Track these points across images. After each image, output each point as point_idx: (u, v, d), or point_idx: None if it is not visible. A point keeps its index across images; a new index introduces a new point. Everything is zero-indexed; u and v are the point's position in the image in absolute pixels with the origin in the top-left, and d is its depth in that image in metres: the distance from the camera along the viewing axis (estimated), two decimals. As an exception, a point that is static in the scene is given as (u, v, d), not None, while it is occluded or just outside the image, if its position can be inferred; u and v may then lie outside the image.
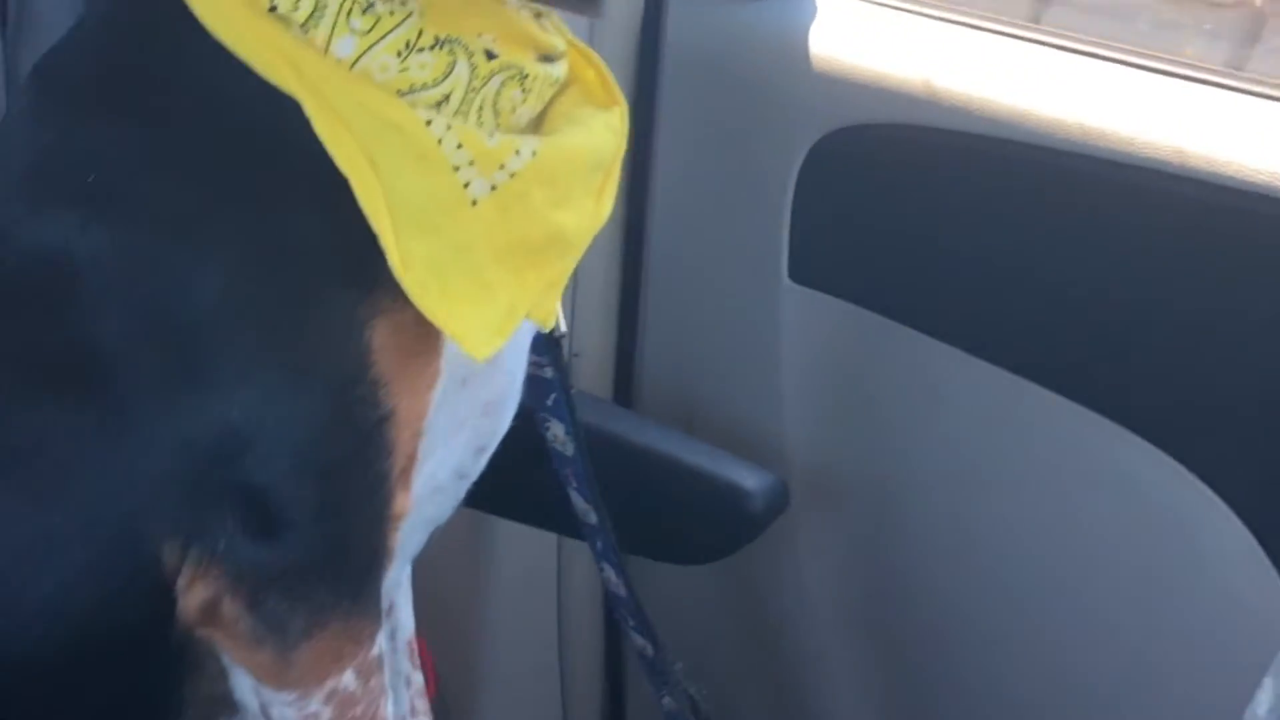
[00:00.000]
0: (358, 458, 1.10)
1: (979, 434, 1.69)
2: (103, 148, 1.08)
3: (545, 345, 1.42)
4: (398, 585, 1.47)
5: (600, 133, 1.19)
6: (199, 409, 1.08)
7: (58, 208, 1.08)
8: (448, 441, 1.19)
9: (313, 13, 1.03)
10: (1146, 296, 1.52)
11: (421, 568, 1.51)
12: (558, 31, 1.20)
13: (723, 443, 1.80)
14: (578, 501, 1.54)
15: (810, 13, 1.83)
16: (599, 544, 1.56)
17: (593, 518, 1.54)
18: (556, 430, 1.49)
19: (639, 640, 1.60)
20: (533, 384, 1.42)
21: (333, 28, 1.04)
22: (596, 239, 1.97)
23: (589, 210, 1.19)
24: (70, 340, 1.09)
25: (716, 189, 1.91)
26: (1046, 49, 1.71)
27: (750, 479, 1.67)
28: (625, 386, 2.07)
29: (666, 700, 1.60)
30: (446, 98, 1.06)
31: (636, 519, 1.68)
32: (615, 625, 2.07)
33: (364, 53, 1.04)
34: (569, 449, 1.50)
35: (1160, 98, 1.58)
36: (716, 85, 1.88)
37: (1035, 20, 1.83)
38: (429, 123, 1.05)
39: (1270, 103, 1.53)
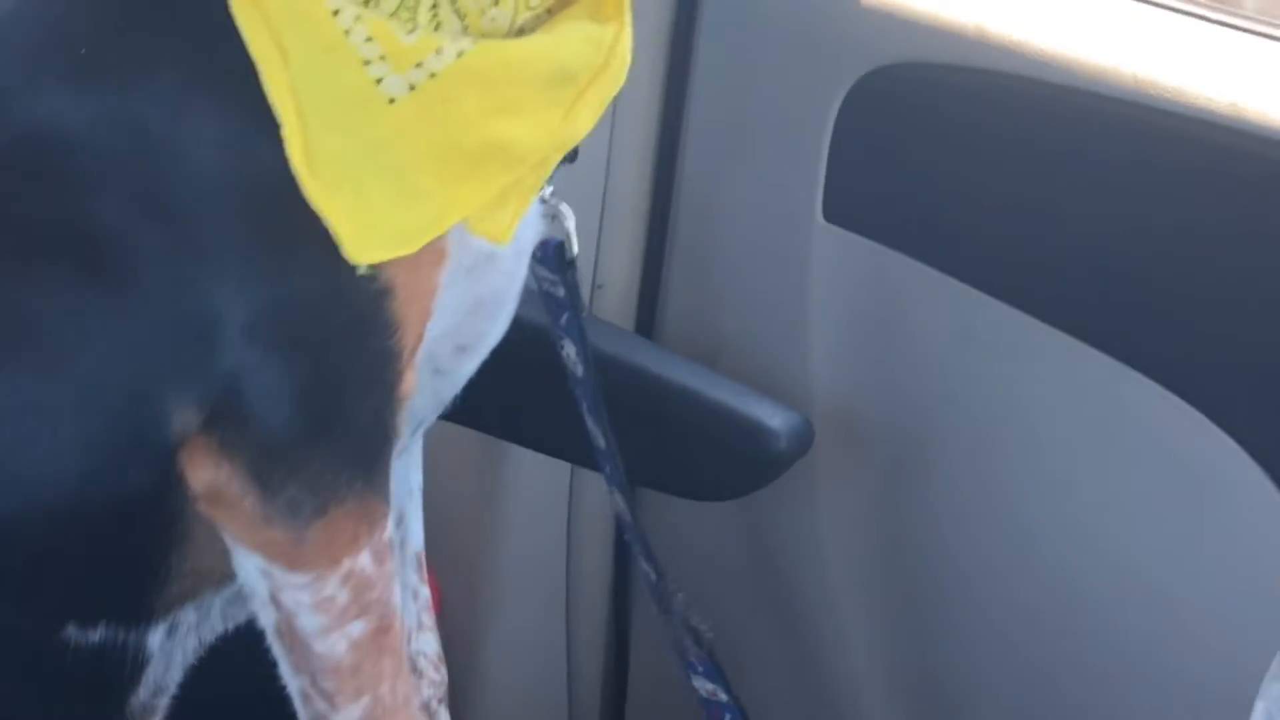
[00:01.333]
0: (359, 333, 1.09)
1: (1007, 382, 1.66)
2: (99, 20, 1.08)
3: (558, 263, 1.40)
4: (409, 493, 1.46)
5: (573, 44, 1.13)
6: (199, 282, 1.07)
7: (53, 81, 1.08)
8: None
9: None
10: (1187, 251, 1.50)
11: (431, 494, 1.50)
12: None
13: (747, 380, 1.78)
14: (589, 425, 1.52)
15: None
16: (607, 469, 1.54)
17: (601, 442, 1.52)
18: (569, 350, 1.47)
19: (645, 565, 1.59)
20: (547, 301, 1.42)
21: None
22: (625, 168, 1.97)
23: (548, 123, 1.12)
24: (67, 216, 1.09)
25: (753, 123, 1.87)
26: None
27: (775, 417, 1.65)
28: (649, 319, 2.04)
29: (673, 624, 1.59)
30: None
31: (657, 452, 1.67)
32: (624, 557, 2.06)
33: None
34: (580, 370, 1.48)
35: (1219, 49, 1.55)
36: (756, 16, 1.85)
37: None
38: (336, 12, 1.02)
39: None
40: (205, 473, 1.11)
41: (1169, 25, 1.61)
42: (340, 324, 1.09)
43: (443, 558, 1.67)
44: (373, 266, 1.06)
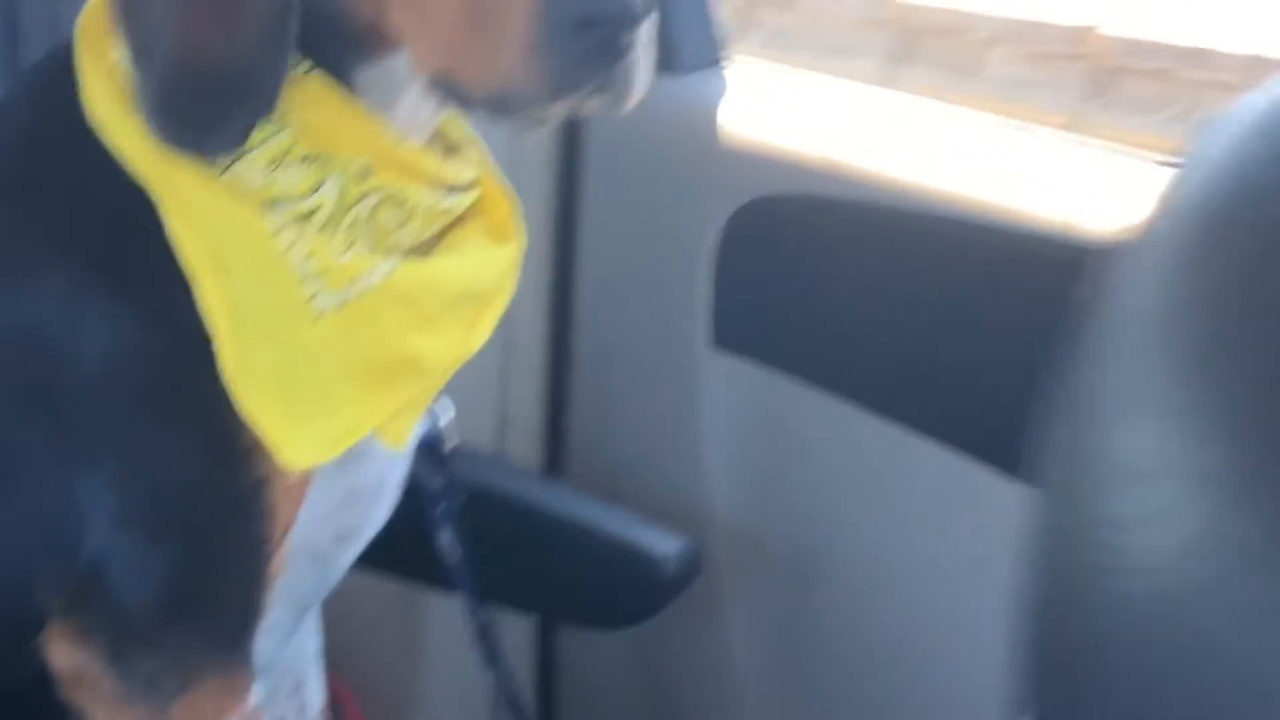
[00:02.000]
0: (232, 521, 1.13)
1: (891, 494, 1.72)
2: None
3: (433, 456, 1.43)
4: (307, 660, 1.49)
5: (480, 264, 1.21)
6: (72, 476, 1.11)
7: None
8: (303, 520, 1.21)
9: None
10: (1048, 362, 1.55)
11: (349, 635, 1.53)
12: (477, 165, 1.24)
13: (647, 509, 1.83)
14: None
15: (720, 89, 1.88)
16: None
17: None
18: (444, 538, 1.50)
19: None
20: (420, 493, 1.45)
21: (135, 85, 1.06)
22: (525, 310, 2.04)
23: (454, 339, 1.19)
24: None
25: (640, 259, 1.95)
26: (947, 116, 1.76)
27: (662, 545, 1.69)
28: (555, 454, 2.10)
29: None
30: (314, 212, 1.08)
31: (553, 585, 1.71)
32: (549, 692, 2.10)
33: (234, 161, 1.07)
34: (457, 554, 1.50)
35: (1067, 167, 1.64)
36: (636, 160, 1.93)
37: (891, 81, 1.88)
38: (277, 232, 1.07)
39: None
40: (66, 656, 1.14)
41: (1018, 144, 1.70)
42: (214, 513, 1.13)
43: (365, 693, 1.70)
44: (252, 455, 1.10)
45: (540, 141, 1.98)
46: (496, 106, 1.03)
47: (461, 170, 1.21)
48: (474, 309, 1.21)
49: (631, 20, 0.99)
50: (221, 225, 1.06)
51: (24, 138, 1.15)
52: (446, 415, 1.43)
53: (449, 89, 1.05)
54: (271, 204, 1.08)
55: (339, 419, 1.11)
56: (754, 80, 1.92)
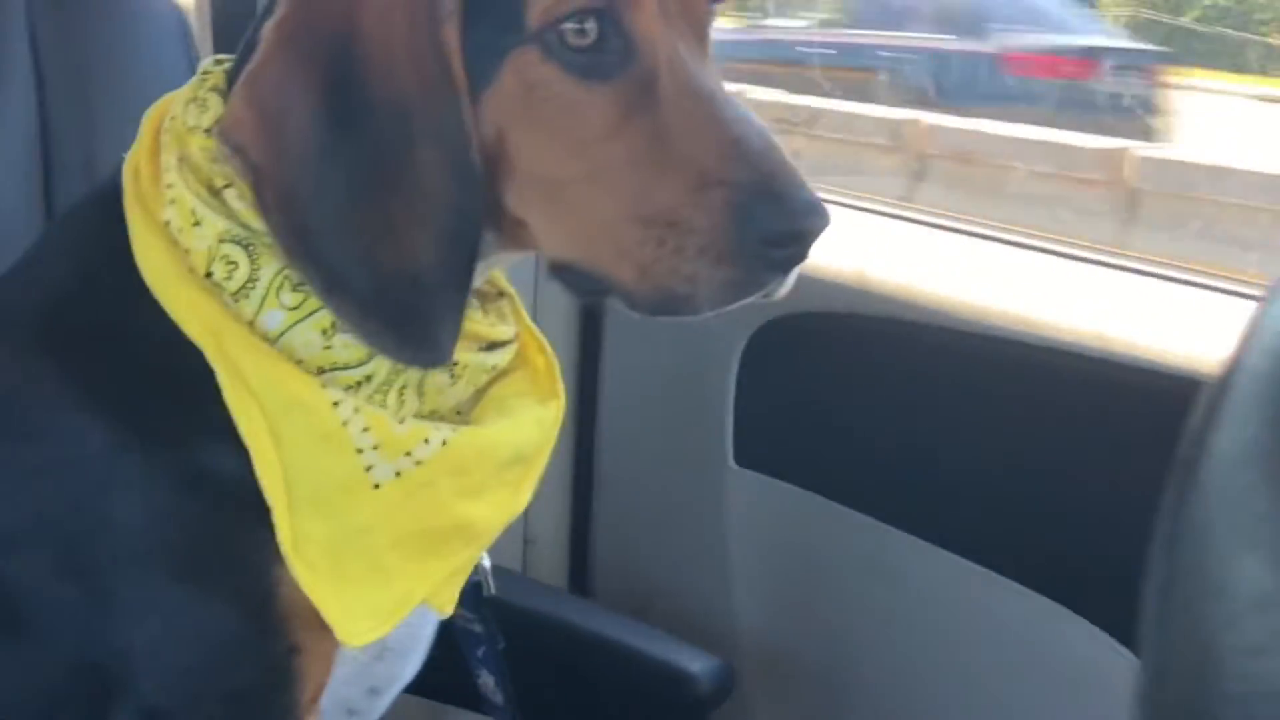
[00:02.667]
0: (266, 685, 1.11)
1: (917, 608, 1.72)
2: (26, 378, 1.10)
3: (474, 601, 1.42)
4: None
5: (527, 426, 1.19)
6: (107, 635, 1.09)
7: None
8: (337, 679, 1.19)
9: (245, 284, 1.06)
10: (1080, 476, 1.56)
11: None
12: (513, 316, 1.23)
13: (676, 627, 1.82)
14: None
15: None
16: None
17: None
18: (487, 680, 1.48)
19: None
20: (463, 636, 1.44)
21: (262, 300, 1.06)
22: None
23: (503, 502, 1.18)
24: None
25: (663, 377, 1.97)
26: (970, 238, 1.78)
27: (694, 663, 1.67)
28: (580, 573, 2.10)
29: None
30: (368, 378, 1.08)
31: (589, 704, 1.70)
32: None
33: (290, 327, 1.06)
34: (498, 698, 1.49)
35: (1084, 284, 1.65)
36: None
37: (908, 198, 1.91)
38: (336, 403, 1.06)
39: (1203, 291, 1.61)
40: None
41: (1038, 264, 1.71)
42: (247, 679, 1.11)
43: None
44: (283, 620, 1.08)
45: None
46: (666, 306, 1.02)
47: (503, 326, 1.20)
48: (521, 470, 1.20)
49: (822, 231, 1.00)
50: (279, 395, 1.06)
51: (68, 290, 1.14)
52: (484, 559, 1.40)
53: (583, 280, 1.05)
54: (326, 372, 1.08)
55: (391, 589, 1.11)
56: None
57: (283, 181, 1.02)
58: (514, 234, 1.10)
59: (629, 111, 1.02)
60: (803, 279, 1.77)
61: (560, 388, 1.26)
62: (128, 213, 1.11)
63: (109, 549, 1.07)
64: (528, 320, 1.26)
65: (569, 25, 1.01)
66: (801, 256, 1.01)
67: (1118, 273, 1.66)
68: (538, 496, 2.03)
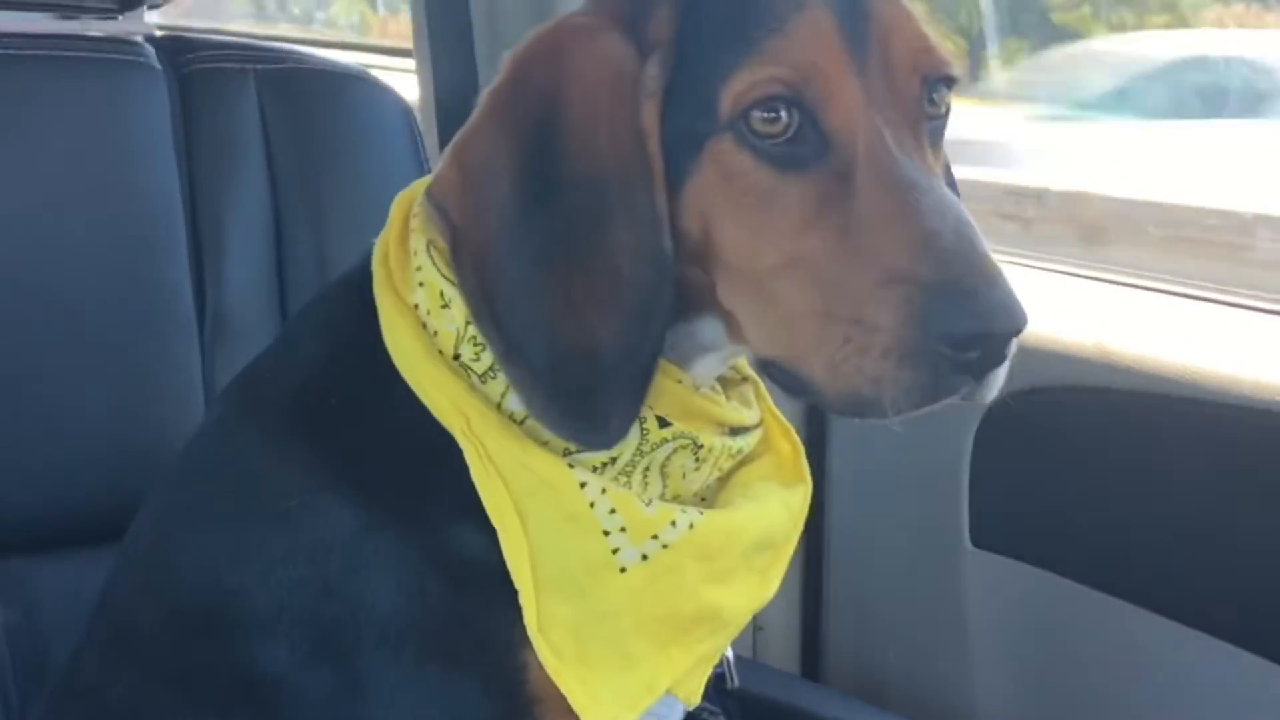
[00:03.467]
0: None
1: (1175, 697, 1.64)
2: (282, 465, 1.11)
3: (716, 693, 1.40)
4: None
5: (775, 511, 1.17)
6: (359, 718, 1.08)
7: (233, 525, 1.12)
8: None
9: (492, 365, 1.06)
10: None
11: None
12: (757, 401, 1.21)
13: (913, 712, 1.78)
14: None
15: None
16: None
17: None
18: None
19: None
20: None
21: (510, 382, 1.06)
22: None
23: (750, 589, 1.16)
24: (241, 663, 1.11)
25: (894, 455, 1.92)
26: (1216, 305, 1.71)
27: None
28: (812, 658, 2.05)
29: None
30: (613, 459, 1.07)
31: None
32: None
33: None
34: None
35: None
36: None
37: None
38: (584, 484, 1.05)
39: None
40: None
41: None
42: None
43: None
44: (531, 703, 1.07)
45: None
46: (853, 408, 0.98)
47: (747, 412, 1.18)
48: (769, 556, 1.18)
49: (1016, 334, 0.95)
50: (526, 475, 1.05)
51: (318, 373, 1.15)
52: (726, 652, 1.39)
53: (786, 377, 1.02)
54: (572, 454, 1.07)
55: (636, 676, 1.09)
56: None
57: (478, 243, 1.03)
58: (731, 326, 1.07)
59: (824, 204, 0.99)
60: (1038, 352, 1.76)
61: (806, 472, 1.23)
62: (377, 296, 1.12)
63: (360, 632, 1.07)
64: (771, 405, 1.23)
65: (759, 114, 0.99)
66: (995, 361, 0.95)
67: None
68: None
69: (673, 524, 1.07)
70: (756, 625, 2.06)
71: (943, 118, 1.08)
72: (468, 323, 1.06)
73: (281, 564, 1.09)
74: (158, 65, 1.71)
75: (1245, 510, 1.55)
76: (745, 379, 1.22)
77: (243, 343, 1.52)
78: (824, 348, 0.96)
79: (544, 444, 1.06)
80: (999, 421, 1.76)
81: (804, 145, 1.00)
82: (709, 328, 1.09)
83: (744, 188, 1.01)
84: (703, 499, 1.16)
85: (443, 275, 1.08)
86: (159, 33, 1.80)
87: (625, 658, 1.08)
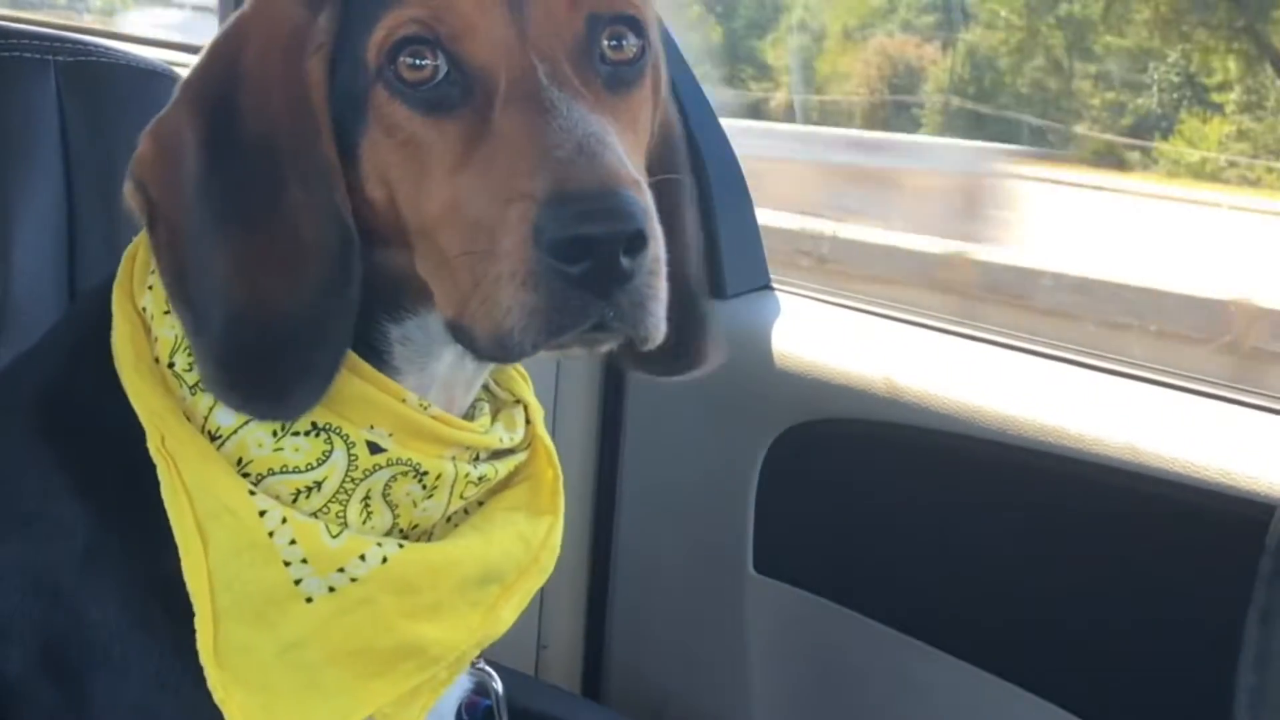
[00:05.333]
0: None
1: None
2: (23, 469, 1.09)
3: None
4: None
5: (505, 544, 1.14)
6: None
7: None
8: None
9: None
10: (1108, 590, 1.54)
11: None
12: (528, 426, 1.19)
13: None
14: None
15: (773, 312, 1.89)
16: None
17: None
18: None
19: None
20: None
21: (194, 356, 1.04)
22: (565, 532, 2.02)
23: (468, 624, 1.12)
24: None
25: (682, 481, 1.94)
26: (999, 349, 1.77)
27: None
28: (594, 678, 2.06)
29: None
30: (319, 484, 1.05)
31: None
32: None
33: (242, 425, 1.04)
34: None
35: (1111, 396, 1.63)
36: (682, 381, 1.92)
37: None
38: (264, 512, 1.03)
39: (1217, 402, 1.59)
40: None
41: (1066, 376, 1.70)
42: None
43: None
44: None
45: (584, 360, 1.99)
46: (498, 348, 0.96)
47: (502, 434, 1.16)
48: (494, 590, 1.14)
49: (620, 238, 0.91)
50: (210, 499, 1.03)
51: (61, 375, 1.13)
52: (496, 682, 1.36)
53: (460, 335, 1.00)
54: (277, 474, 1.04)
55: (327, 707, 1.06)
56: (798, 310, 1.94)
57: (171, 216, 1.03)
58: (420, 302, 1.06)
59: (470, 143, 0.98)
60: (828, 385, 1.80)
61: (560, 504, 1.21)
62: (114, 297, 1.11)
63: (86, 651, 1.05)
64: (542, 431, 1.22)
65: (405, 60, 0.99)
66: (609, 273, 0.92)
67: (1151, 386, 1.64)
68: (552, 600, 2.04)
69: (362, 558, 1.04)
70: (541, 644, 2.06)
71: (632, 62, 1.06)
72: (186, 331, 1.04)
73: (18, 570, 1.07)
74: (-47, 49, 1.66)
75: (1017, 546, 1.60)
76: (518, 401, 1.21)
77: (29, 335, 1.46)
78: (470, 287, 0.96)
79: (246, 464, 1.04)
80: (787, 449, 1.79)
81: (452, 87, 1.00)
82: (436, 315, 1.06)
83: (403, 139, 1.00)
84: (455, 526, 1.14)
85: None
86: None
87: (315, 688, 1.05)
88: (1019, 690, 1.58)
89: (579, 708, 1.90)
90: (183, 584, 1.03)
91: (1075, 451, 1.54)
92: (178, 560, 1.03)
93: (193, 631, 1.02)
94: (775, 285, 1.99)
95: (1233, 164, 5.23)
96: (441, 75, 0.99)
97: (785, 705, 1.83)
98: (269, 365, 1.00)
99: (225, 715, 1.02)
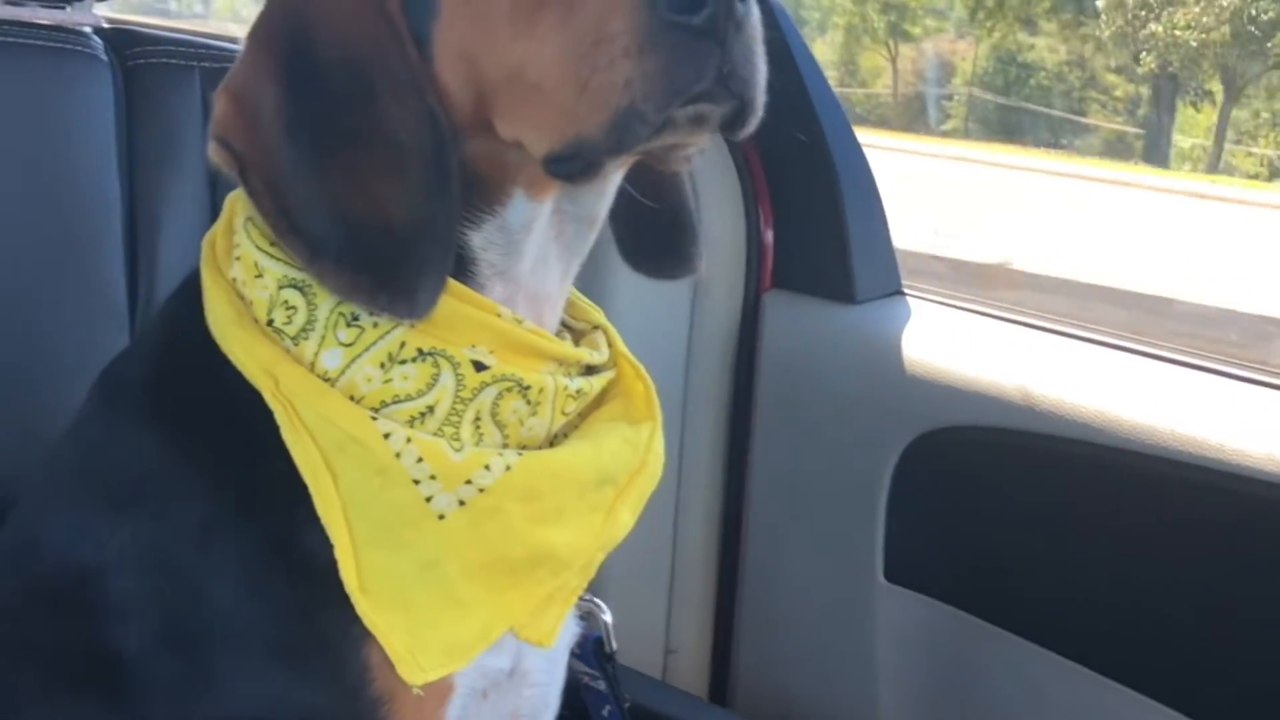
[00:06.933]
0: None
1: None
2: (133, 450, 1.12)
3: (597, 658, 1.40)
4: None
5: (614, 448, 1.17)
6: (206, 710, 1.08)
7: (91, 508, 1.13)
8: None
9: (304, 326, 1.08)
10: (1240, 603, 1.51)
11: None
12: (610, 347, 1.22)
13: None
14: None
15: (904, 317, 1.88)
16: None
17: None
18: None
19: None
20: (587, 694, 1.41)
21: (321, 340, 1.07)
22: (693, 538, 2.03)
23: (592, 527, 1.16)
24: (95, 643, 1.10)
25: (811, 488, 1.93)
26: (1136, 356, 1.75)
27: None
28: (721, 682, 2.07)
29: None
30: (431, 409, 1.08)
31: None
32: None
33: (350, 364, 1.07)
34: None
35: (1251, 405, 1.60)
36: (812, 386, 1.92)
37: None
38: (388, 435, 1.05)
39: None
40: None
41: (1205, 385, 1.67)
42: None
43: None
44: (378, 703, 1.06)
45: (714, 359, 1.99)
46: (616, 132, 0.98)
47: (588, 352, 1.19)
48: (610, 493, 1.17)
49: None
50: (333, 432, 1.06)
51: (162, 359, 1.17)
52: (605, 614, 1.39)
53: (566, 159, 1.01)
54: (390, 405, 1.07)
55: (468, 622, 1.09)
56: (929, 315, 1.92)
57: (263, 162, 1.05)
58: (525, 168, 1.08)
59: None
60: (960, 392, 1.78)
61: (656, 410, 1.23)
62: (202, 274, 1.14)
63: (208, 624, 1.08)
64: (624, 348, 1.25)
65: None
66: (730, 14, 0.95)
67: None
68: (680, 605, 2.05)
69: (486, 468, 1.07)
70: (668, 648, 2.07)
71: None
72: (280, 287, 1.08)
73: (134, 550, 1.09)
74: (104, 57, 1.71)
75: (1148, 556, 1.58)
76: (596, 327, 1.24)
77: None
78: (575, 94, 0.98)
79: (359, 399, 1.07)
80: (918, 457, 1.78)
81: None
82: (514, 207, 1.11)
83: None
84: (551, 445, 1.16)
85: (257, 247, 1.10)
86: (106, 25, 1.80)
87: (455, 604, 1.08)
88: (1152, 703, 1.56)
89: (706, 713, 1.90)
90: (303, 542, 1.06)
91: (1214, 461, 1.51)
92: (298, 515, 1.06)
93: (318, 593, 1.05)
94: (906, 290, 1.98)
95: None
96: None
97: (913, 715, 1.82)
98: (395, 268, 1.03)
99: (379, 639, 1.05)
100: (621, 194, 1.17)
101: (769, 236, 1.99)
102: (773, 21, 1.92)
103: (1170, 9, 18.06)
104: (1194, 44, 18.00)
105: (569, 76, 0.98)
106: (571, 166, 1.02)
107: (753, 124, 1.01)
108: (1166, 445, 1.55)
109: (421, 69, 1.05)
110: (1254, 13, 17.52)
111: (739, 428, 2.00)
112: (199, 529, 1.08)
